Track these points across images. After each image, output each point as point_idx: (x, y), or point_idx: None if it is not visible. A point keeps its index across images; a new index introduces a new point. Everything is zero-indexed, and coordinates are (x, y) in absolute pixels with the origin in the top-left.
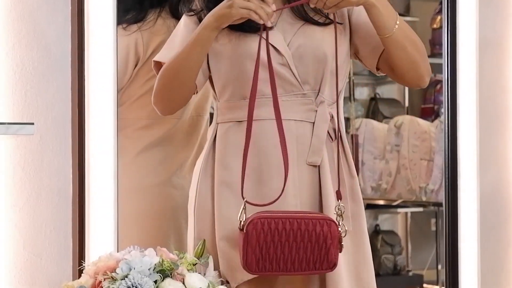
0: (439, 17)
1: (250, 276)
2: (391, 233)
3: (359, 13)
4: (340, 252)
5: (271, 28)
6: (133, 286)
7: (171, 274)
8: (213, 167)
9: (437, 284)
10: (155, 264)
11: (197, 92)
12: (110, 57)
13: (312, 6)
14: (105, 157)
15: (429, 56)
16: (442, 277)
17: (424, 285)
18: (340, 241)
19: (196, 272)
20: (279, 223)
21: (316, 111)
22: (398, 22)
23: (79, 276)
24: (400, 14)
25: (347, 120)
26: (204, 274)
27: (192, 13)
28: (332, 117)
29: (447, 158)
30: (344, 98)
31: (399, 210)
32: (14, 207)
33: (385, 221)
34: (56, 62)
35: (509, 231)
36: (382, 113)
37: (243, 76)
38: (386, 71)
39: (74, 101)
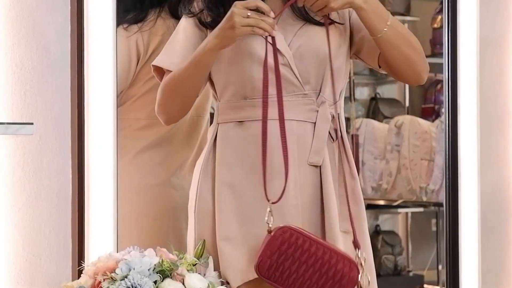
0: (439, 17)
1: (251, 277)
2: (392, 233)
3: None
4: None
5: None
6: (132, 287)
7: (170, 275)
8: (213, 167)
9: (437, 285)
10: (155, 265)
11: (198, 96)
12: (109, 57)
13: (300, 5)
14: (105, 157)
15: (429, 56)
16: (443, 277)
17: (425, 285)
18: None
19: (196, 272)
20: (307, 242)
21: (317, 111)
22: (389, 23)
23: (79, 276)
24: (400, 14)
25: (347, 120)
26: (204, 275)
27: (192, 14)
28: (333, 117)
29: (447, 158)
30: (345, 98)
31: (400, 210)
32: (14, 207)
33: (385, 221)
34: (55, 62)
35: (509, 231)
36: (382, 113)
37: (244, 76)
38: (386, 69)
39: (74, 101)
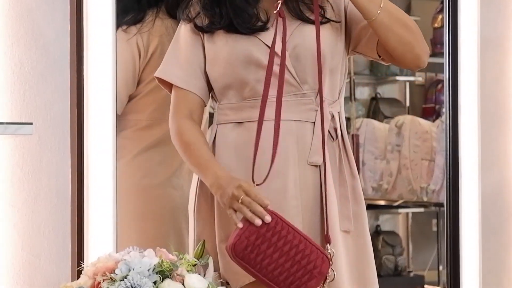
0: (440, 16)
1: (252, 279)
2: (392, 233)
3: None
4: None
5: (267, 29)
6: (132, 287)
7: (170, 275)
8: None
9: (438, 285)
10: (155, 265)
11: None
12: (109, 56)
13: None
14: (104, 158)
15: (430, 56)
16: (443, 278)
17: (425, 286)
18: (324, 281)
19: (195, 273)
20: (285, 229)
21: (317, 110)
22: (382, 5)
23: (78, 277)
24: None
25: (347, 120)
26: (204, 275)
27: (189, 19)
28: (333, 116)
29: (448, 158)
30: (345, 98)
31: (400, 210)
32: (13, 207)
33: (386, 222)
34: (54, 62)
35: (510, 231)
36: (383, 113)
37: (241, 78)
38: (386, 57)
39: (73, 101)
